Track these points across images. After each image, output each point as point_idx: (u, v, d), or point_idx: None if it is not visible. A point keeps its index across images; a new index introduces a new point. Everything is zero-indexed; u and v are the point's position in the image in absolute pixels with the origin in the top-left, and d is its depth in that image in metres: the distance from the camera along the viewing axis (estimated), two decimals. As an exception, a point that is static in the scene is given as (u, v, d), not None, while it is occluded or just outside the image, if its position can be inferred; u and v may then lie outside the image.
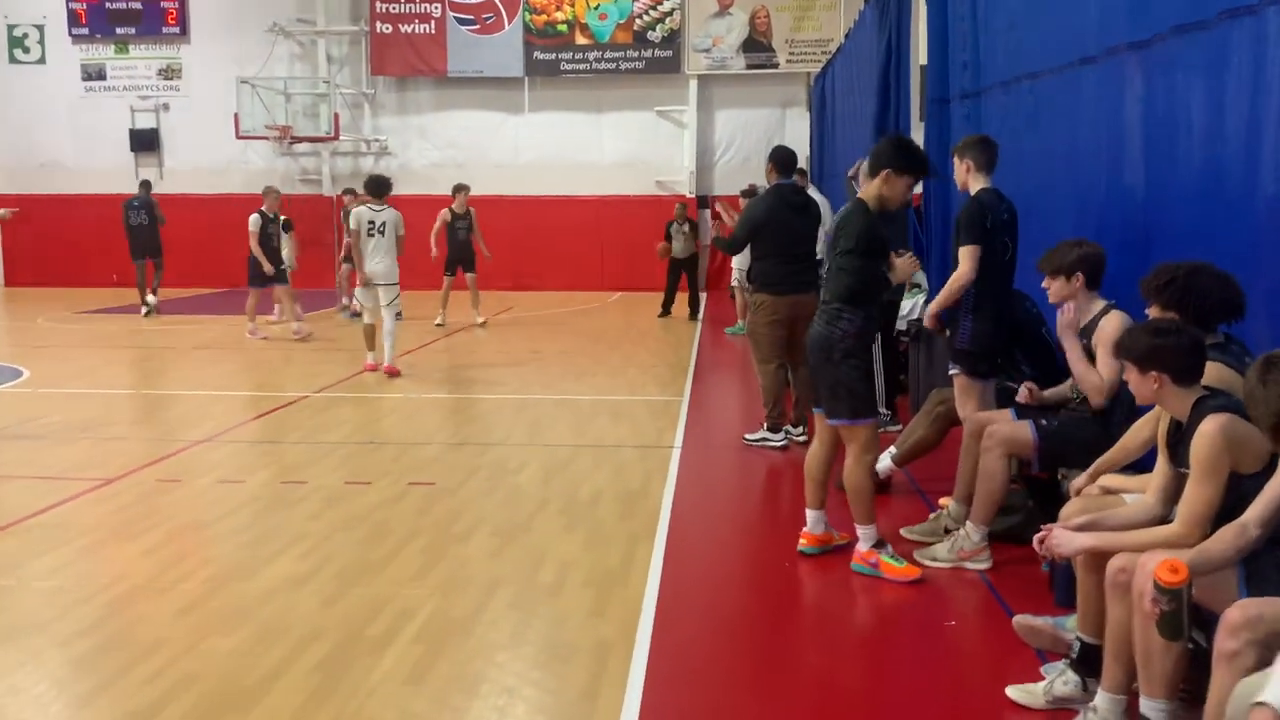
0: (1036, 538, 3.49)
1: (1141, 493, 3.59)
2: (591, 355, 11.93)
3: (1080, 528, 3.38)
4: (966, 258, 4.97)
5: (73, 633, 4.06)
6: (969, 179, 5.41)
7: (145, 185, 16.65)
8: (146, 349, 12.58)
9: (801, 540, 5.01)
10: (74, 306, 16.66)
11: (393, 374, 9.87)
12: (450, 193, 14.40)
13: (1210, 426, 3.09)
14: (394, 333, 9.97)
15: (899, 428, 7.61)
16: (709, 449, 7.34)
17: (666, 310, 15.66)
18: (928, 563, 4.84)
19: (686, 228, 15.91)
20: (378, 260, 9.81)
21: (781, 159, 7.27)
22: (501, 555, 5.03)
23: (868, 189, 4.80)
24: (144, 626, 4.14)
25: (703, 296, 16.77)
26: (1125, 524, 3.37)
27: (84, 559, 4.96)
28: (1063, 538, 3.36)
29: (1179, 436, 3.27)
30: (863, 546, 4.74)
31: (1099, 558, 3.31)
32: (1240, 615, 2.62)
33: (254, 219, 12.76)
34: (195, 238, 19.38)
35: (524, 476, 6.49)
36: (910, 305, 8.93)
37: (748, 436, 7.28)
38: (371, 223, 9.81)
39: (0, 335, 14.37)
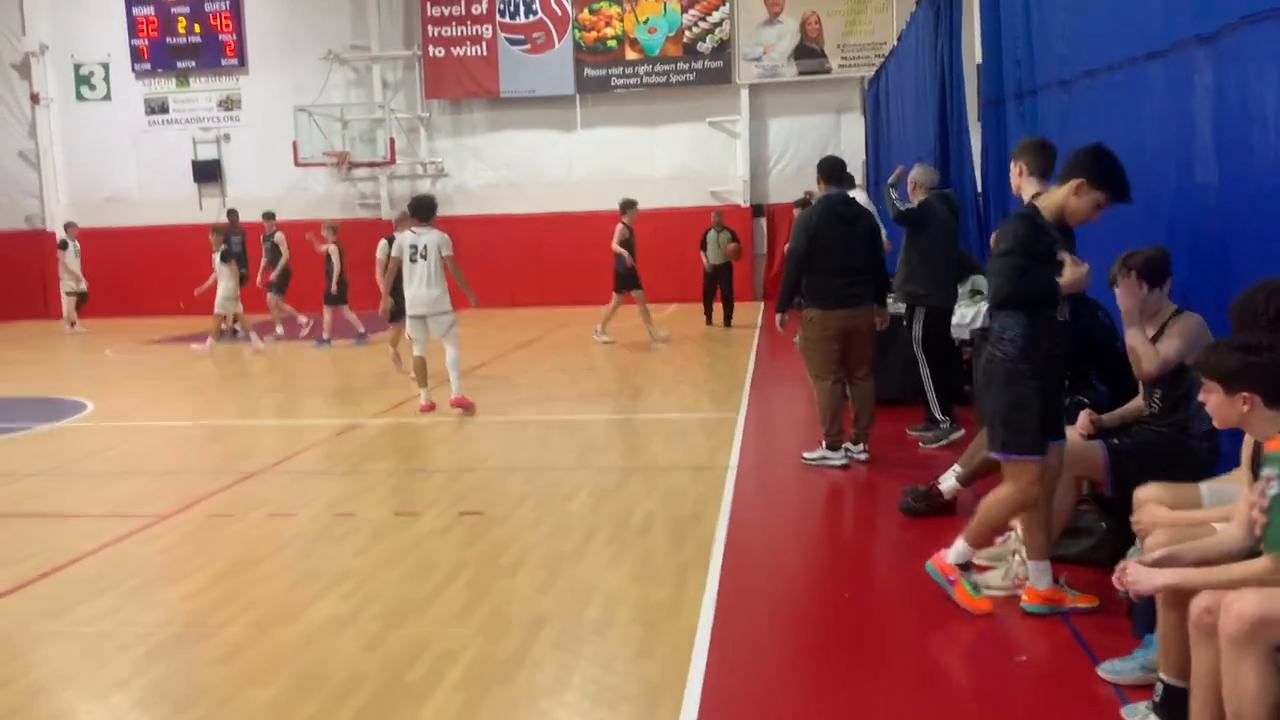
0: (1116, 575, 3.26)
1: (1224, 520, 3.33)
2: (646, 370, 11.78)
3: (1159, 561, 3.13)
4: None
5: (110, 684, 3.99)
6: (1022, 183, 5.15)
7: (234, 214, 17.68)
8: (209, 378, 12.71)
9: (1024, 596, 4.38)
10: (141, 337, 16.96)
11: (463, 406, 9.15)
12: (620, 209, 14.38)
13: None
14: (458, 363, 9.22)
15: (961, 434, 7.35)
16: (765, 469, 7.13)
17: (710, 319, 15.85)
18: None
19: (724, 236, 16.07)
20: (424, 288, 8.98)
21: (829, 169, 7.06)
22: (548, 590, 4.88)
23: (1051, 195, 4.25)
24: (182, 677, 4.05)
25: (759, 305, 16.55)
26: (1208, 557, 3.10)
27: (129, 603, 4.91)
28: (1141, 574, 3.10)
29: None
30: (949, 558, 4.44)
31: (1182, 595, 3.05)
32: None
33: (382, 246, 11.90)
34: (257, 265, 19.60)
35: (575, 504, 6.35)
36: (972, 313, 8.63)
37: (806, 455, 7.05)
38: (414, 247, 8.95)
39: (69, 368, 14.64)
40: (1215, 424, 3.19)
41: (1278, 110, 3.89)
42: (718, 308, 16.05)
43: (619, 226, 14.10)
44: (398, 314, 9.83)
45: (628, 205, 14.24)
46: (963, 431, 7.37)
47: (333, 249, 14.78)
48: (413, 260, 9.00)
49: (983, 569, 4.77)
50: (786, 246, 7.46)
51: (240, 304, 14.77)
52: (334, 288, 14.70)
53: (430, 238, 9.01)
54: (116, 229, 21.18)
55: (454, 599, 4.78)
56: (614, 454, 7.69)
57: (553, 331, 15.97)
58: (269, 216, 16.28)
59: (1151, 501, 3.66)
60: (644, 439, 8.17)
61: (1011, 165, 5.20)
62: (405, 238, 9.12)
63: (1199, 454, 4.28)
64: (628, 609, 4.58)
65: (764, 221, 20.27)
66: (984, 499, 4.40)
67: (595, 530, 5.76)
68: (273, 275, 15.64)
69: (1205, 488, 3.68)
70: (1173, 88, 4.87)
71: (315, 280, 15.14)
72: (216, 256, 14.60)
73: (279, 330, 15.75)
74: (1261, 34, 3.91)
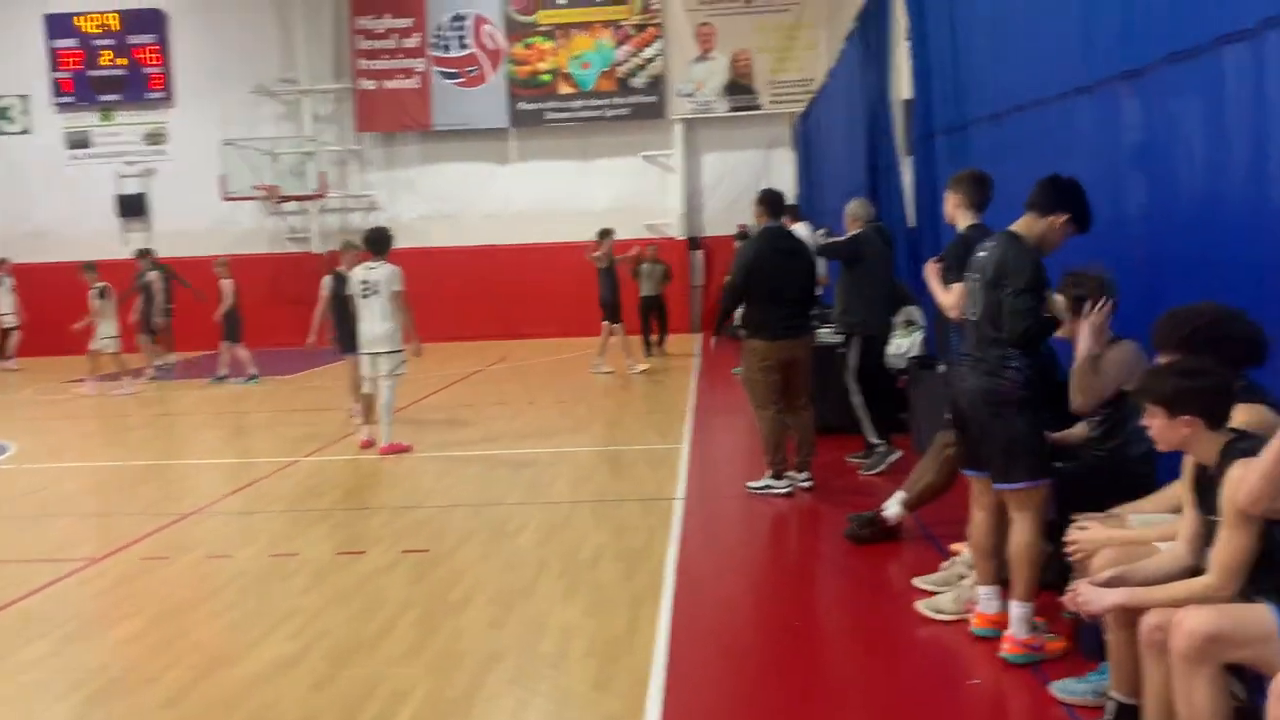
0: (1066, 596, 3.33)
1: (1166, 536, 3.43)
2: (588, 403, 11.76)
3: (1109, 582, 3.20)
4: (951, 294, 4.84)
5: (49, 733, 3.86)
6: (957, 214, 5.29)
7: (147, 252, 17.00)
8: (133, 417, 12.38)
9: (974, 620, 4.36)
10: (64, 376, 16.46)
11: (395, 451, 8.91)
12: (598, 238, 14.41)
13: (1243, 471, 2.92)
14: (391, 408, 8.93)
15: (899, 455, 7.45)
16: (713, 499, 7.16)
17: (649, 350, 16.01)
18: (932, 615, 4.65)
19: (659, 271, 16.42)
20: (374, 324, 8.74)
21: (769, 201, 7.17)
22: (500, 625, 4.83)
23: (1032, 227, 4.13)
24: (124, 723, 3.93)
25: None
26: (1155, 576, 3.18)
27: (67, 648, 4.74)
28: (1091, 594, 3.17)
29: (1207, 483, 3.10)
30: (1019, 632, 4.08)
31: (1132, 613, 3.13)
32: None
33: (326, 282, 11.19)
34: (183, 301, 19.21)
35: (522, 538, 6.30)
36: (908, 343, 8.79)
37: (751, 484, 7.10)
38: (365, 282, 8.70)
39: (-13, 408, 14.15)
40: (1159, 447, 3.28)
41: (1204, 143, 4.05)
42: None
43: (597, 255, 14.14)
44: (350, 349, 9.54)
45: (604, 234, 14.32)
46: (900, 453, 7.48)
47: (225, 284, 14.52)
48: (364, 295, 8.77)
49: (932, 593, 4.85)
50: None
51: (120, 343, 14.43)
52: (224, 324, 14.54)
53: (382, 272, 8.76)
54: (40, 265, 20.57)
55: (403, 637, 4.71)
56: (560, 487, 7.65)
57: (490, 365, 15.89)
58: (143, 254, 15.78)
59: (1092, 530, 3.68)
60: (590, 471, 8.15)
61: (947, 196, 5.36)
62: (358, 272, 8.87)
63: (1137, 477, 4.38)
64: (583, 643, 4.54)
65: (700, 254, 20.45)
66: (1011, 553, 4.13)
67: (545, 565, 5.72)
68: (135, 316, 15.09)
69: (1134, 517, 3.76)
70: (1100, 122, 5.05)
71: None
72: (92, 295, 14.31)
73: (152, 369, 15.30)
74: (1186, 71, 4.08)
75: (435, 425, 10.33)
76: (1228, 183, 3.90)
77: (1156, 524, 3.56)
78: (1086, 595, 3.19)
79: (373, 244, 8.86)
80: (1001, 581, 4.31)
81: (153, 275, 15.34)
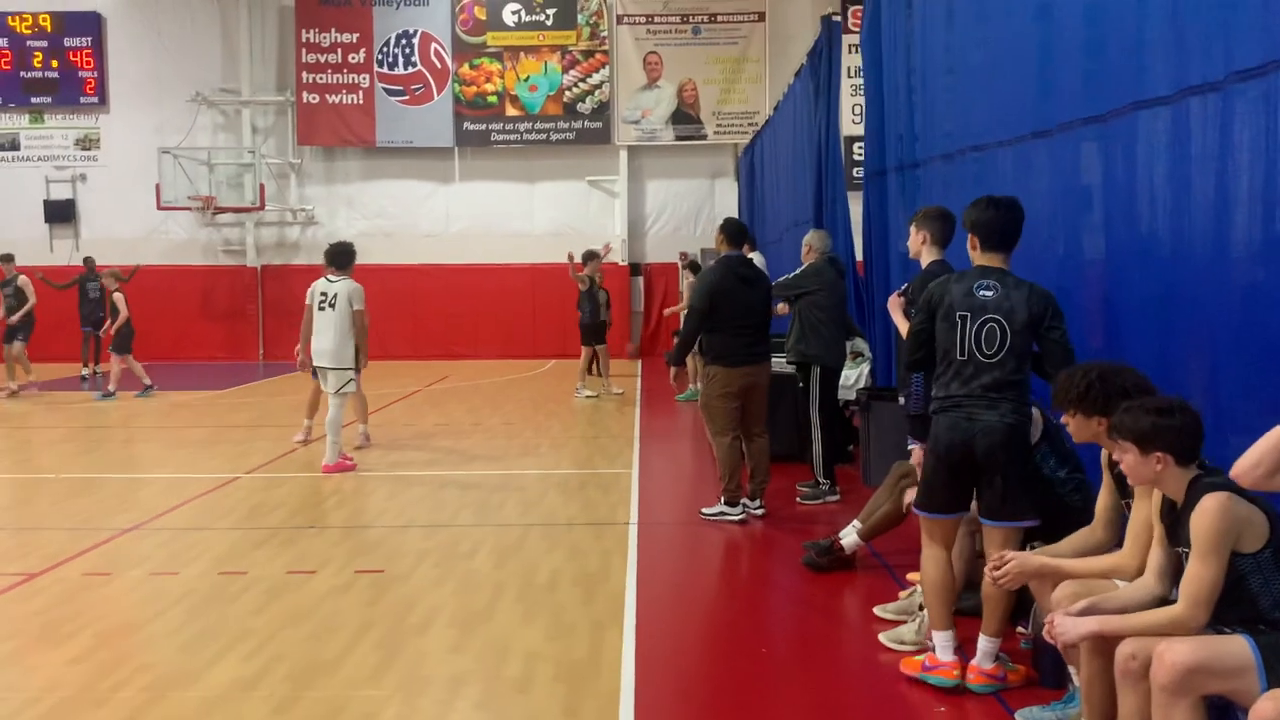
0: (1045, 620, 3.40)
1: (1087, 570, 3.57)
2: (533, 425, 11.70)
3: (1083, 612, 3.28)
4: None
5: (-1, 755, 3.71)
6: (923, 250, 5.42)
7: (90, 261, 16.76)
8: (62, 429, 12.00)
9: (945, 672, 4.20)
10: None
11: (341, 470, 8.76)
12: (582, 260, 14.24)
13: (1212, 504, 3.03)
14: (338, 426, 8.81)
15: (837, 498, 7.55)
16: (666, 525, 7.16)
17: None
18: (894, 646, 4.71)
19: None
20: (326, 338, 8.73)
21: (731, 231, 7.27)
22: (462, 648, 4.77)
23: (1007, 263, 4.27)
24: (79, 745, 3.79)
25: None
26: (1126, 606, 3.27)
27: (8, 667, 4.57)
28: (1066, 624, 3.25)
29: (1175, 516, 3.21)
30: (987, 663, 4.15)
31: (1106, 642, 3.21)
32: (1273, 707, 2.53)
33: None
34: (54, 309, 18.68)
35: (477, 561, 6.23)
36: (855, 374, 8.94)
37: (705, 511, 7.13)
38: (324, 294, 8.74)
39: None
40: (1130, 482, 3.40)
41: (1165, 186, 4.20)
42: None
43: (581, 277, 14.08)
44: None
45: (589, 256, 14.32)
46: (838, 495, 7.57)
47: (118, 296, 14.23)
48: (321, 308, 8.76)
49: (894, 623, 4.91)
50: (686, 303, 7.58)
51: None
52: (116, 335, 14.21)
53: (341, 287, 8.77)
54: (-44, 269, 19.86)
55: (364, 659, 4.62)
56: (510, 510, 7.59)
57: (429, 384, 15.73)
58: (7, 259, 15.01)
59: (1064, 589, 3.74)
60: (539, 495, 8.10)
61: (913, 231, 5.48)
62: (317, 285, 8.88)
63: (1072, 505, 4.52)
64: (548, 667, 4.51)
65: (641, 280, 20.55)
66: (988, 590, 4.06)
67: (503, 588, 5.67)
68: (11, 321, 14.51)
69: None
70: (1058, 164, 5.21)
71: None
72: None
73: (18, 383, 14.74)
74: (1150, 118, 4.24)
75: (379, 445, 10.18)
76: (1188, 227, 4.05)
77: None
78: (1062, 625, 3.26)
79: (333, 258, 8.89)
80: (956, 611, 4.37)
81: (23, 280, 14.73)
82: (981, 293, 4.15)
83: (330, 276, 8.90)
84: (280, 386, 16.06)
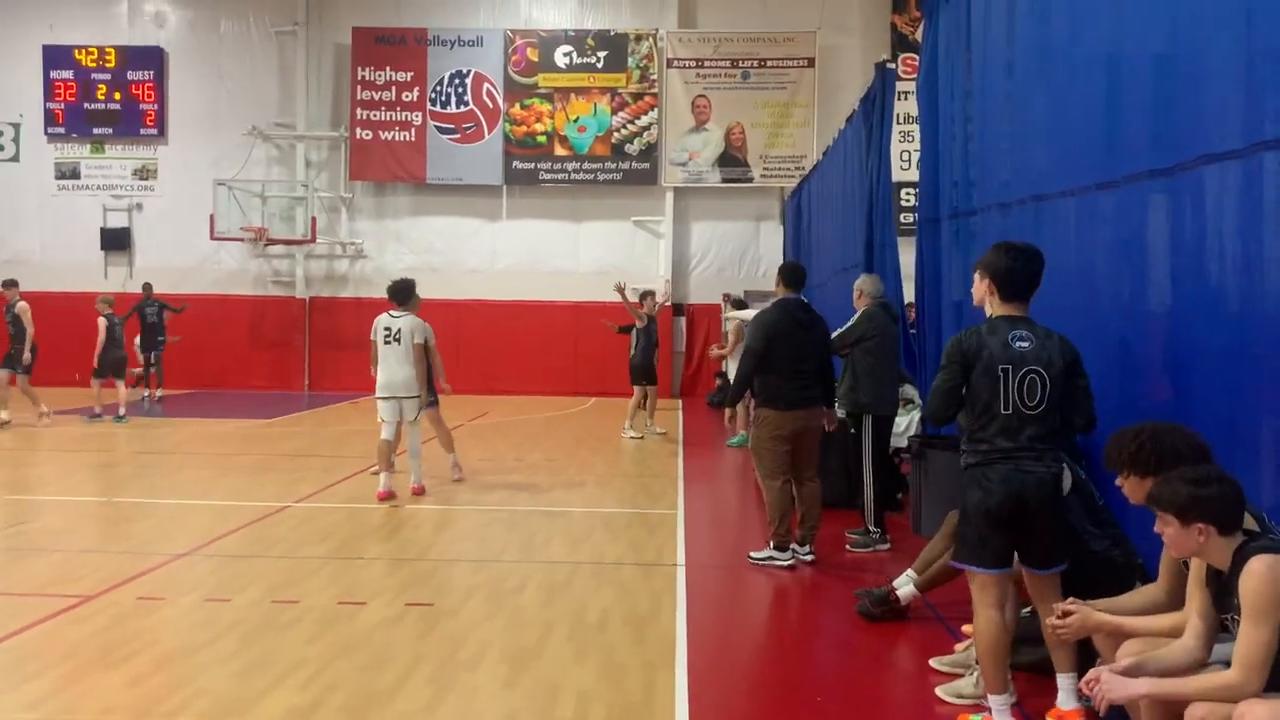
0: (1085, 680, 3.34)
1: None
2: (576, 462, 11.71)
3: (1127, 671, 3.23)
4: None
5: (61, 776, 3.73)
6: (988, 300, 5.38)
7: (149, 286, 17.22)
8: (115, 453, 12.18)
9: None
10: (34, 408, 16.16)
11: (418, 493, 9.25)
12: (639, 299, 14.32)
13: (1260, 566, 3.00)
14: (419, 452, 9.41)
15: (887, 547, 7.48)
16: (714, 568, 7.12)
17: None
18: (952, 700, 4.63)
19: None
20: (394, 371, 9.04)
21: (789, 274, 7.28)
22: (514, 686, 4.76)
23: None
24: (139, 769, 3.82)
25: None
26: (1171, 668, 3.22)
27: (67, 689, 4.61)
28: (1115, 683, 3.18)
29: (1222, 584, 3.15)
30: (1071, 703, 4.12)
31: (1167, 705, 3.15)
32: (1266, 712, 2.48)
33: None
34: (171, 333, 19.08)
35: (525, 597, 6.23)
36: (906, 421, 8.88)
37: (753, 555, 7.08)
38: (388, 329, 9.10)
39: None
40: (1172, 553, 3.37)
41: (1235, 242, 4.16)
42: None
43: (640, 314, 14.14)
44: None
45: (646, 295, 14.43)
46: (889, 544, 7.50)
47: (102, 322, 14.41)
48: (386, 342, 9.08)
49: (951, 676, 4.84)
50: (742, 344, 7.56)
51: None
52: (95, 362, 14.45)
53: (405, 322, 9.10)
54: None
55: (417, 693, 4.62)
56: (557, 547, 7.58)
57: (472, 419, 15.80)
58: (10, 285, 14.59)
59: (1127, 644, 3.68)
60: (585, 532, 8.09)
61: (977, 281, 5.45)
62: (380, 319, 9.20)
63: (1116, 562, 4.46)
64: (600, 708, 4.48)
65: (684, 320, 20.59)
66: (1050, 635, 3.98)
67: (553, 626, 5.65)
68: (11, 350, 14.02)
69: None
70: (1123, 216, 5.17)
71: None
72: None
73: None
74: (1219, 171, 4.21)
75: (426, 478, 10.22)
76: (1259, 283, 4.00)
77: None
78: (1109, 684, 3.19)
79: (395, 294, 9.26)
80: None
81: (21, 307, 14.14)
82: (1018, 344, 4.15)
83: (394, 312, 9.20)
84: (326, 418, 16.22)
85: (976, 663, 4.81)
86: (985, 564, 4.21)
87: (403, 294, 9.22)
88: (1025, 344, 4.15)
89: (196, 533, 7.77)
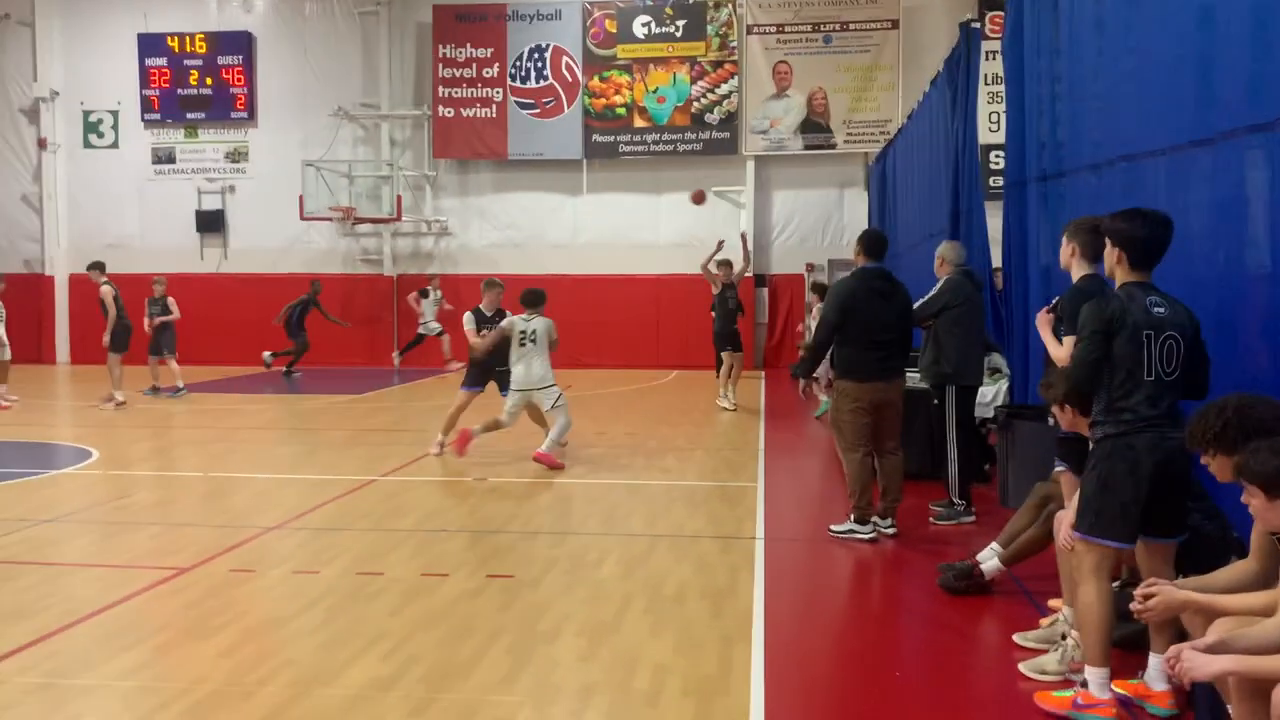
0: (1165, 658, 3.22)
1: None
2: (657, 436, 11.72)
3: (1210, 649, 3.09)
4: (1066, 346, 4.72)
5: (155, 742, 3.88)
6: (1073, 262, 5.21)
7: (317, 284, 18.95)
8: (211, 429, 12.59)
9: (1081, 708, 4.06)
10: (135, 385, 16.78)
11: (547, 462, 9.55)
12: (715, 268, 14.58)
13: None
14: (565, 429, 9.88)
15: (973, 519, 7.32)
16: (793, 541, 7.06)
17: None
18: (1036, 676, 4.52)
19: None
20: (531, 366, 9.74)
21: (869, 243, 7.12)
22: (592, 658, 4.79)
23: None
24: (228, 736, 3.94)
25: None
26: (1259, 646, 3.07)
27: (162, 658, 4.79)
28: (1197, 660, 3.05)
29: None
30: (1105, 692, 4.06)
31: (1257, 684, 3.01)
32: None
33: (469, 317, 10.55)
34: (258, 316, 19.63)
35: (604, 570, 6.26)
36: (993, 392, 8.67)
37: (834, 528, 7.00)
38: (524, 331, 9.81)
39: (69, 415, 14.46)
40: (1259, 526, 3.21)
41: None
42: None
43: (728, 281, 14.36)
44: (472, 383, 10.47)
45: (722, 264, 14.59)
46: (974, 516, 7.34)
47: (107, 290, 14.41)
48: (522, 344, 9.69)
49: (1035, 652, 4.73)
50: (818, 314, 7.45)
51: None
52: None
53: (539, 324, 9.80)
54: (115, 276, 21.00)
55: (496, 664, 4.69)
56: (637, 520, 7.61)
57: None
58: (94, 268, 15.05)
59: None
60: (665, 506, 8.10)
61: (1065, 241, 5.27)
62: (516, 322, 9.81)
63: (1212, 537, 4.31)
64: (677, 681, 4.49)
65: (765, 291, 20.41)
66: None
67: (631, 598, 5.67)
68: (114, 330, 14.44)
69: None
70: (1220, 174, 4.94)
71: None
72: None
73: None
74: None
75: (506, 453, 10.35)
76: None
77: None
78: (1190, 661, 3.06)
79: (529, 301, 9.92)
80: None
81: (106, 290, 14.63)
82: (1156, 310, 4.04)
83: (526, 315, 9.85)
84: (414, 393, 16.52)
85: (1062, 638, 4.70)
86: (1124, 538, 4.06)
87: (537, 299, 9.95)
88: (1161, 310, 4.04)
89: (287, 507, 7.99)
